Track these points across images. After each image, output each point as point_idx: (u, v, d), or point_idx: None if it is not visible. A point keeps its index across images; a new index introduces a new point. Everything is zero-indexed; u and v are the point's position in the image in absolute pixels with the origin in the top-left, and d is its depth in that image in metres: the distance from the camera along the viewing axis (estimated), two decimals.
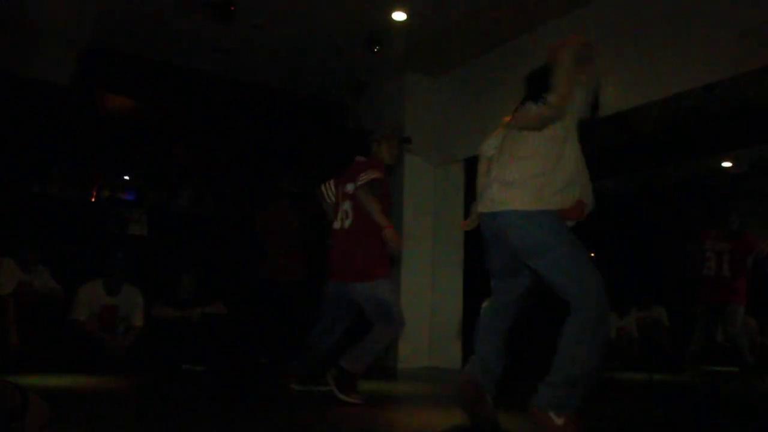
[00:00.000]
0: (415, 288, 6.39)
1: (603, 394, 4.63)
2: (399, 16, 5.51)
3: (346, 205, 3.65)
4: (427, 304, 6.41)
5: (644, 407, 3.82)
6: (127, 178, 6.03)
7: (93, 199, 5.68)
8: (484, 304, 2.78)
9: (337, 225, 3.70)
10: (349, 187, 3.62)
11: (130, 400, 3.55)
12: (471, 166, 6.60)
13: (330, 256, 3.69)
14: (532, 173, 2.45)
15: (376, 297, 3.47)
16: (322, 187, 3.95)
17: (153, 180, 6.08)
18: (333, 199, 3.84)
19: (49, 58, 6.22)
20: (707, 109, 6.78)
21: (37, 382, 3.61)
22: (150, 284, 5.20)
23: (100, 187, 5.81)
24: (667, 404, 4.08)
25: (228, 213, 6.12)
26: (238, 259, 5.81)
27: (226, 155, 6.44)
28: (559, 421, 2.29)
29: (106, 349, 4.86)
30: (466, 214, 7.14)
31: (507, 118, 2.75)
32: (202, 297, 5.24)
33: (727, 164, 8.53)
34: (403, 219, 6.41)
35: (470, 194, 6.70)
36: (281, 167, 6.21)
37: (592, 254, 9.08)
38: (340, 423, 2.88)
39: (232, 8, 5.26)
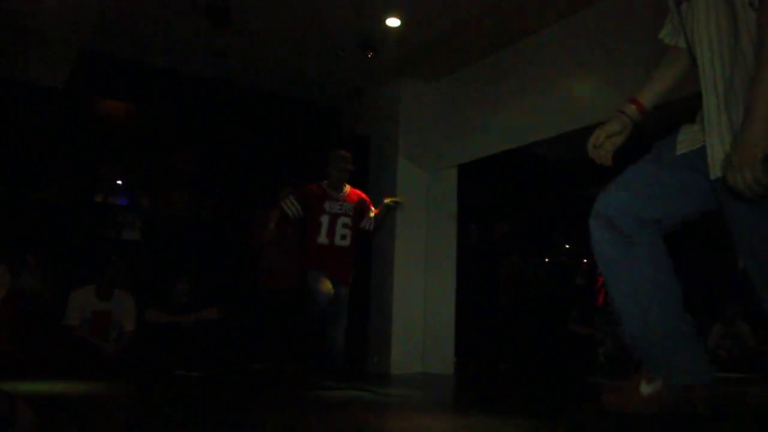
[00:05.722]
0: (407, 293, 6.39)
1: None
2: (393, 22, 5.53)
3: (344, 230, 4.58)
4: (419, 309, 6.41)
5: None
6: (120, 182, 6.01)
7: (86, 204, 5.67)
8: None
9: (325, 241, 4.54)
10: (367, 224, 4.79)
11: (123, 406, 3.53)
12: (464, 171, 6.64)
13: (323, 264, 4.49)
14: None
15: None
16: (291, 200, 4.65)
17: (147, 185, 6.07)
18: (299, 213, 4.64)
19: (43, 61, 6.21)
20: None
21: (28, 388, 3.59)
22: (144, 289, 5.19)
23: (94, 191, 5.80)
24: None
25: (222, 218, 6.11)
26: (232, 265, 5.81)
27: (221, 160, 6.44)
28: None
29: (99, 355, 4.84)
30: (460, 219, 7.13)
31: None
32: (197, 303, 5.23)
33: None
34: (395, 224, 6.41)
35: (463, 200, 6.72)
36: (276, 172, 6.21)
37: None
38: (333, 428, 2.87)
39: (231, 14, 5.24)
